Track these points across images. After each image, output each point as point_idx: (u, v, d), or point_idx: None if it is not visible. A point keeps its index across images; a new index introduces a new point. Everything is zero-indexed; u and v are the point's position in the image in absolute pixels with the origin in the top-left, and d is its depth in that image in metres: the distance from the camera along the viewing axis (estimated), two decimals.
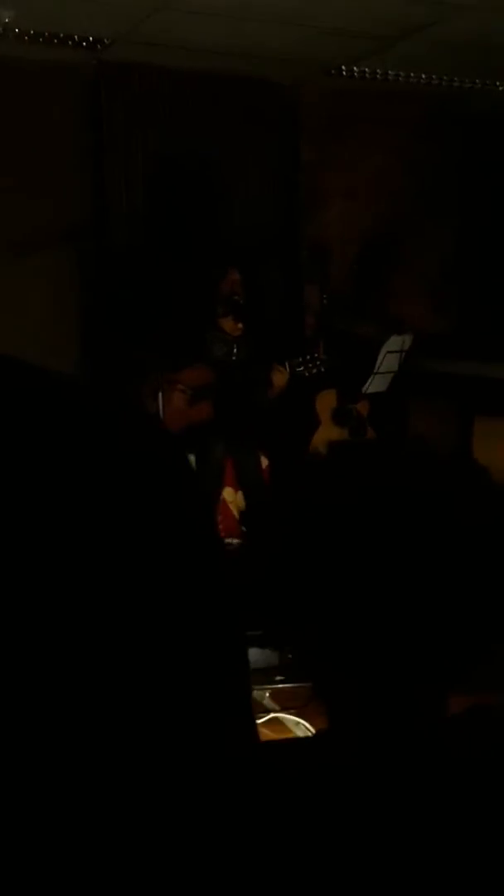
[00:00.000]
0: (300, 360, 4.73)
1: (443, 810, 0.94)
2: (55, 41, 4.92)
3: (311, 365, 4.73)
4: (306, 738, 1.22)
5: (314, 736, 1.10)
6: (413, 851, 0.91)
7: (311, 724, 2.34)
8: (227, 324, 4.75)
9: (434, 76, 5.66)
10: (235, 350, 4.79)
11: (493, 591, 0.99)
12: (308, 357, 4.77)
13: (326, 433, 5.21)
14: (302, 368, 4.71)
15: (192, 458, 4.69)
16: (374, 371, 5.19)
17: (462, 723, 1.03)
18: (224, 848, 0.45)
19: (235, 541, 4.36)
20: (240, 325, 4.73)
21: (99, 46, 5.05)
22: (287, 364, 4.70)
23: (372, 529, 0.97)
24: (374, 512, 0.98)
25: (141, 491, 0.44)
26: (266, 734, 2.33)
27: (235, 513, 4.60)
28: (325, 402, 5.31)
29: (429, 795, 0.95)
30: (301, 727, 2.45)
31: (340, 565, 0.97)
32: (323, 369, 4.78)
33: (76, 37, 4.91)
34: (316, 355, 4.80)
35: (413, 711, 0.98)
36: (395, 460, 1.10)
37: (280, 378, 4.68)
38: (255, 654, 3.23)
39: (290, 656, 2.70)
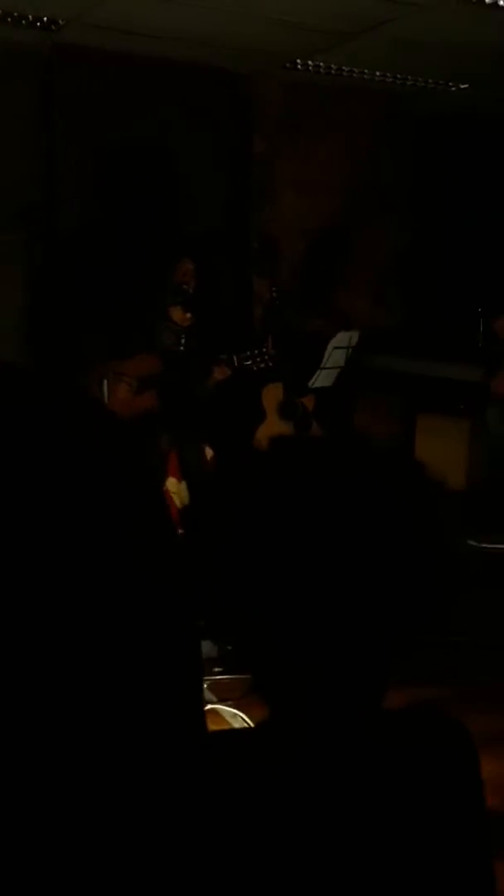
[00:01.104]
0: (248, 353, 4.74)
1: (378, 801, 0.95)
2: (9, 20, 4.85)
3: (258, 359, 4.74)
4: (247, 730, 1.23)
5: (254, 728, 1.11)
6: (352, 844, 0.93)
7: (248, 715, 2.35)
8: (177, 314, 4.73)
9: (388, 74, 5.69)
10: (184, 340, 4.77)
11: (428, 577, 1.00)
12: (256, 351, 4.77)
13: (272, 426, 5.23)
14: (250, 362, 4.71)
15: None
16: (321, 366, 5.22)
17: (400, 718, 1.04)
18: (171, 832, 0.45)
19: (179, 531, 4.35)
20: (188, 316, 4.72)
21: (53, 28, 4.98)
22: (235, 357, 4.70)
23: (312, 519, 0.98)
24: (314, 502, 0.99)
25: (88, 481, 0.43)
26: None
27: (178, 504, 4.59)
28: (272, 395, 5.32)
29: (366, 787, 0.96)
30: (238, 719, 2.45)
31: (283, 555, 0.97)
32: (271, 364, 4.79)
33: (30, 17, 4.84)
34: (264, 349, 4.80)
35: (354, 703, 0.99)
36: (335, 451, 1.11)
37: (221, 374, 4.68)
38: None
39: (228, 648, 2.71)
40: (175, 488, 4.43)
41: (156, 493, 0.50)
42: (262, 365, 4.74)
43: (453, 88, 5.91)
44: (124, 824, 0.42)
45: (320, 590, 0.96)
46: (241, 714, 2.49)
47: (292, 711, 1.00)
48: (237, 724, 2.45)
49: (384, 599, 0.98)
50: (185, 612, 0.47)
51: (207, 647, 3.00)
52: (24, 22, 4.89)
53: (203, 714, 0.51)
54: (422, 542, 1.01)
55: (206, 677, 2.94)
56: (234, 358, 4.69)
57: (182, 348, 4.75)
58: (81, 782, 0.41)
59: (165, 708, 0.44)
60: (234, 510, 1.03)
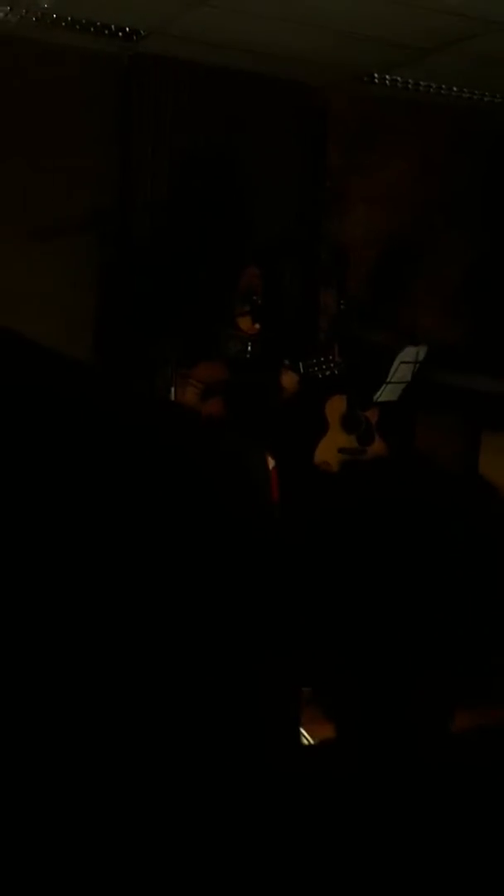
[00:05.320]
0: (314, 360, 4.74)
1: (440, 826, 0.95)
2: (92, 30, 4.94)
3: (325, 366, 4.74)
4: (311, 747, 1.23)
5: (319, 745, 1.12)
6: (411, 866, 0.93)
7: (307, 730, 2.34)
8: (245, 323, 4.76)
9: (465, 90, 5.67)
10: (250, 348, 4.80)
11: (497, 603, 1.01)
12: (322, 358, 4.77)
13: (334, 438, 5.22)
14: (316, 369, 4.71)
15: None
16: (387, 380, 5.20)
17: (467, 741, 1.05)
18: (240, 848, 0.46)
19: None
20: (256, 326, 4.74)
21: (135, 38, 5.06)
22: (301, 364, 4.71)
23: (379, 540, 0.98)
24: (381, 523, 0.99)
25: (169, 488, 0.43)
26: None
27: None
28: (335, 407, 5.32)
29: (428, 811, 0.96)
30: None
31: (348, 575, 0.98)
32: (336, 372, 4.78)
33: (113, 27, 4.92)
34: (331, 357, 4.80)
35: (417, 726, 1.00)
36: (404, 474, 1.12)
37: (288, 380, 4.68)
38: None
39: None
40: None
41: (246, 496, 0.50)
42: (328, 372, 4.73)
43: None
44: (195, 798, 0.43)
45: (385, 611, 0.97)
46: (300, 729, 2.49)
47: (354, 729, 1.01)
48: None
49: (450, 622, 0.98)
50: (272, 615, 0.47)
51: None
52: (106, 32, 4.98)
53: (297, 722, 0.51)
54: (491, 566, 1.02)
55: None
56: (301, 364, 4.70)
57: (248, 356, 4.78)
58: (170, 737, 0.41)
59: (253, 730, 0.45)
60: (298, 527, 1.04)
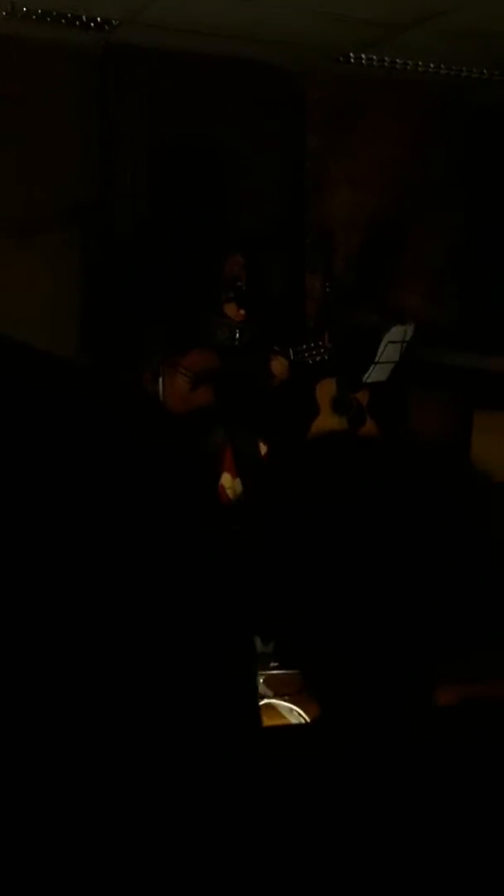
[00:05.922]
0: (304, 346, 4.74)
1: (429, 801, 0.95)
2: (63, 21, 4.90)
3: (314, 352, 4.73)
4: (299, 726, 1.23)
5: (307, 724, 1.12)
6: (404, 843, 0.93)
7: (304, 710, 2.35)
8: (231, 309, 4.75)
9: (442, 66, 5.64)
10: (238, 335, 4.79)
11: (482, 580, 1.00)
12: (312, 344, 4.77)
13: (326, 421, 5.22)
14: (306, 355, 4.71)
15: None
16: (375, 361, 5.19)
17: (452, 715, 1.04)
18: (223, 837, 0.45)
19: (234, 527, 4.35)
20: (242, 312, 4.73)
21: (107, 28, 5.03)
22: (291, 350, 4.70)
23: (365, 519, 0.98)
24: (367, 502, 0.99)
25: (139, 484, 0.43)
26: None
27: (232, 499, 4.61)
28: (326, 390, 5.31)
29: (418, 786, 0.96)
30: (294, 714, 2.46)
31: (333, 553, 0.98)
32: (326, 357, 4.78)
33: (84, 17, 4.89)
34: (320, 343, 4.80)
35: (403, 701, 0.99)
36: (389, 452, 1.12)
37: (278, 366, 4.67)
38: None
39: (273, 643, 2.67)
40: (229, 483, 4.45)
41: (208, 490, 0.50)
42: (318, 358, 4.72)
43: None
44: (172, 812, 0.42)
45: (366, 585, 0.97)
46: (297, 709, 2.49)
47: (340, 708, 1.01)
48: (293, 720, 2.45)
49: (431, 597, 0.98)
50: (237, 606, 0.48)
51: (262, 643, 2.99)
52: (77, 23, 4.94)
53: (258, 706, 0.51)
54: (470, 540, 1.01)
55: (262, 672, 2.95)
56: (291, 351, 4.69)
57: (236, 343, 4.77)
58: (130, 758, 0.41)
59: (215, 713, 0.44)
60: (283, 506, 1.04)
